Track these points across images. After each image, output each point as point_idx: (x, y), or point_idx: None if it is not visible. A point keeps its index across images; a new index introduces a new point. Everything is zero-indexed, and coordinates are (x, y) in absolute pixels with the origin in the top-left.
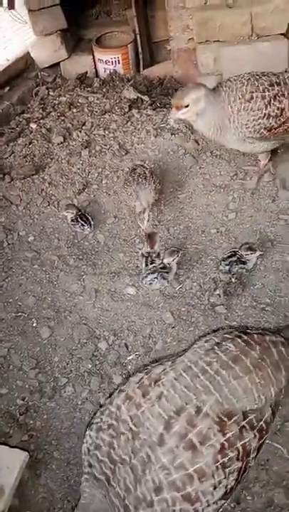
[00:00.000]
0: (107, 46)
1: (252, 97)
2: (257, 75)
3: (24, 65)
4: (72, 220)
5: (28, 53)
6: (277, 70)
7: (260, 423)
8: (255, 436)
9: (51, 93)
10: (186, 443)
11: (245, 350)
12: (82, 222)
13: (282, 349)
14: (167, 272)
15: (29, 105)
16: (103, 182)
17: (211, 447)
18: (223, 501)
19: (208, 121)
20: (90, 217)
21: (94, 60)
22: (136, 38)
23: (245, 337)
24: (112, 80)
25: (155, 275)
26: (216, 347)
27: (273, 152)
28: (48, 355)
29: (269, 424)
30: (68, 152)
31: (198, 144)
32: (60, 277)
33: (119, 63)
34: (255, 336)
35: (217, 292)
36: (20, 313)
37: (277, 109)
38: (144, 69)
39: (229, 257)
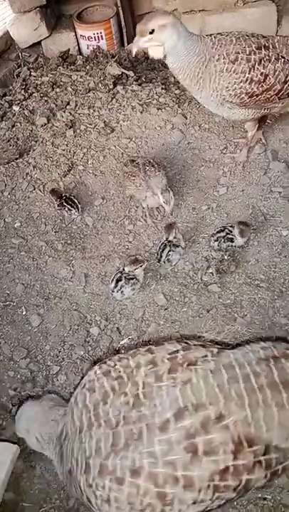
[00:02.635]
0: (89, 21)
1: (236, 58)
2: (246, 35)
3: (4, 46)
4: (58, 205)
5: (7, 33)
6: None
7: (279, 466)
8: (265, 476)
9: (33, 73)
10: (190, 444)
11: None
12: (69, 207)
13: None
14: (132, 278)
15: (11, 87)
16: (89, 162)
17: (213, 463)
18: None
19: (181, 62)
20: (76, 201)
21: (76, 37)
22: (118, 12)
23: None
24: (95, 56)
25: (122, 282)
26: (271, 360)
27: (263, 122)
28: (39, 343)
29: (285, 471)
30: (52, 133)
31: (186, 118)
32: (49, 263)
33: (102, 39)
34: None
35: (210, 271)
36: (8, 302)
37: (261, 74)
38: (128, 43)
39: (218, 232)
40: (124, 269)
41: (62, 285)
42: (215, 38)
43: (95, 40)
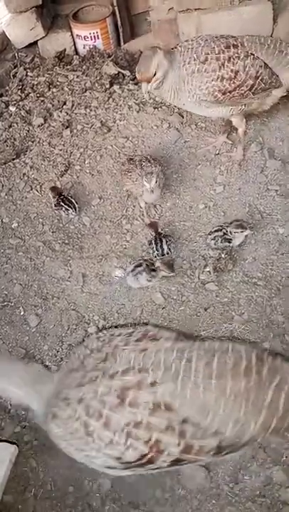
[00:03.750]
0: (85, 21)
1: (206, 59)
2: (215, 37)
3: (0, 46)
4: (55, 205)
5: (3, 33)
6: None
7: (195, 441)
8: (178, 444)
9: (29, 73)
10: (122, 394)
11: (242, 374)
12: (66, 206)
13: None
14: (154, 270)
15: (7, 88)
16: (86, 162)
17: (132, 414)
18: (114, 463)
19: (169, 82)
20: (73, 201)
21: (72, 37)
22: (114, 11)
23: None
24: (92, 56)
25: (142, 268)
26: (217, 353)
27: (260, 120)
28: (37, 343)
29: (202, 452)
30: (49, 133)
31: (183, 117)
32: (46, 263)
33: (98, 38)
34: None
35: (207, 269)
36: (6, 303)
37: (231, 71)
38: (124, 43)
39: (215, 231)
40: (151, 259)
41: (60, 285)
42: (181, 45)
43: (91, 39)
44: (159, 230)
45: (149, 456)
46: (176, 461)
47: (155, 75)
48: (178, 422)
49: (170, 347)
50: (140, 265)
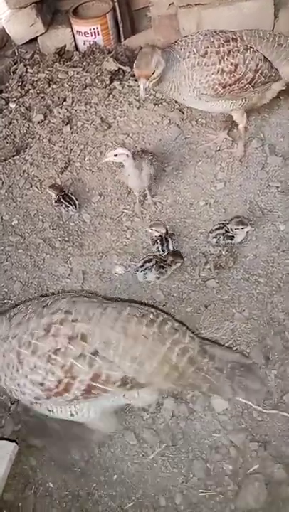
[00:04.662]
0: (85, 17)
1: (206, 52)
2: (214, 32)
3: (0, 43)
4: (55, 202)
5: (3, 30)
6: None
7: (101, 370)
8: (88, 372)
9: (29, 70)
10: (47, 327)
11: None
12: (66, 203)
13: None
14: (164, 267)
15: (7, 84)
16: (86, 159)
17: (54, 342)
18: (39, 391)
19: (168, 79)
20: (74, 197)
21: (72, 33)
22: (115, 7)
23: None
24: (92, 52)
25: (151, 264)
26: (139, 318)
27: (261, 116)
28: None
29: (109, 382)
30: (49, 130)
31: (183, 113)
32: (46, 260)
33: (98, 34)
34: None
35: (208, 266)
36: (6, 300)
37: (231, 64)
38: (125, 39)
39: (217, 229)
40: (161, 255)
41: (60, 282)
42: (181, 41)
43: (92, 35)
44: (163, 229)
45: (65, 381)
46: (88, 391)
47: (154, 72)
48: (89, 352)
49: (95, 301)
50: (150, 261)
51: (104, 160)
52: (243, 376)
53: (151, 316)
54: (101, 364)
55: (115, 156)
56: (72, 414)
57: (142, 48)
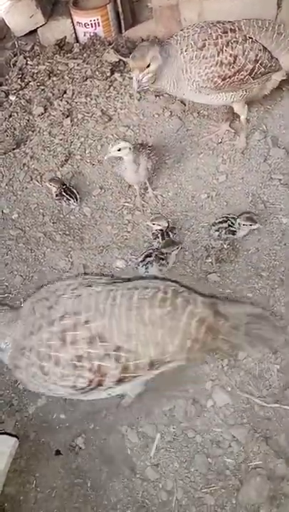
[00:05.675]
0: (85, 8)
1: (204, 45)
2: (211, 23)
3: (0, 35)
4: (56, 195)
5: (3, 21)
6: None
7: (129, 363)
8: (116, 368)
9: (29, 62)
10: (62, 336)
11: (157, 304)
12: (68, 197)
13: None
14: (163, 258)
15: (7, 77)
16: (86, 152)
17: (73, 350)
18: (72, 391)
19: (166, 75)
20: (75, 191)
21: (73, 24)
22: None
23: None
24: (92, 44)
25: (152, 258)
26: (136, 295)
27: (263, 108)
28: None
29: (138, 369)
30: (50, 123)
31: (185, 105)
32: (47, 254)
33: (99, 25)
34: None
35: (209, 260)
36: (7, 294)
37: (230, 55)
38: (125, 30)
39: (220, 222)
40: (158, 248)
41: (61, 276)
42: (177, 34)
43: (92, 27)
44: (165, 223)
45: (96, 380)
46: (121, 380)
47: (149, 66)
48: (112, 350)
49: (100, 290)
50: (150, 255)
51: (108, 156)
52: (259, 329)
53: (160, 294)
54: (127, 357)
55: (118, 150)
56: (108, 395)
57: (143, 40)
